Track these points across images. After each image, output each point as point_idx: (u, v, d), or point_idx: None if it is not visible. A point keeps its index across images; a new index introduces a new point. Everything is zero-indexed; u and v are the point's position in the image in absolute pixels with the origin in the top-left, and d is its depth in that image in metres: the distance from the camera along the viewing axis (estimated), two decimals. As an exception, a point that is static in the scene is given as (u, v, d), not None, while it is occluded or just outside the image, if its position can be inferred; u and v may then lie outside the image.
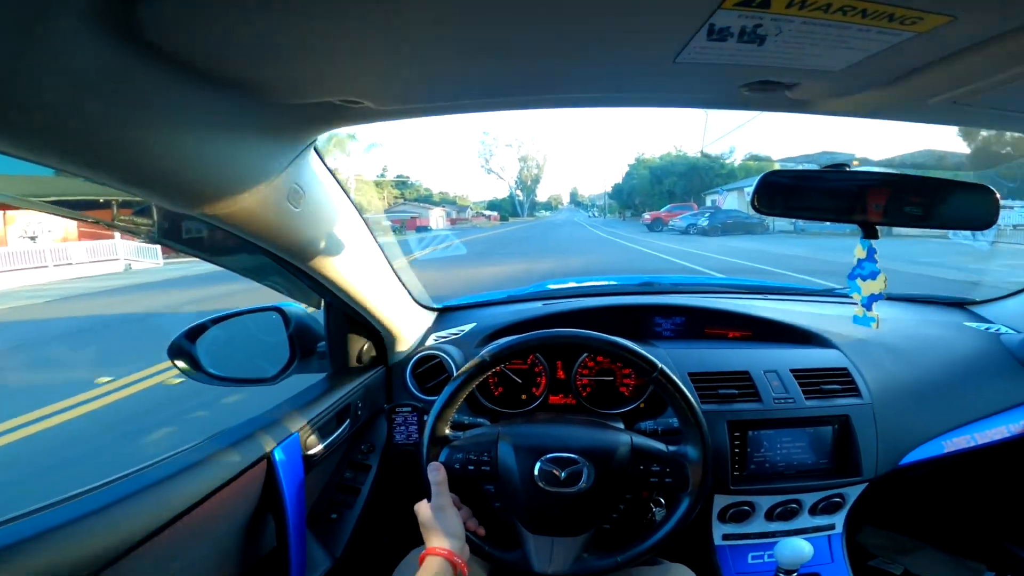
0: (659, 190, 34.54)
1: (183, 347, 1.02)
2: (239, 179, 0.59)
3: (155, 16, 0.39)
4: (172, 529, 0.63)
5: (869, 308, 0.75)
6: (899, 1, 0.36)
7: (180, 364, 1.01)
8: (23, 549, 0.48)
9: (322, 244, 0.81)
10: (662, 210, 24.80)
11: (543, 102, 0.62)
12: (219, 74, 0.49)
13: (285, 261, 0.80)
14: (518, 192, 72.01)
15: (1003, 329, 1.29)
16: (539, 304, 1.37)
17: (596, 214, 69.83)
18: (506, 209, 70.10)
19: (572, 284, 1.64)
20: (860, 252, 0.75)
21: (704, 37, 0.42)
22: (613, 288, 1.54)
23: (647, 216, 24.52)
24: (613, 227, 26.69)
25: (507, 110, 0.65)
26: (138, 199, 0.63)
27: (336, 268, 0.87)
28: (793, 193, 0.78)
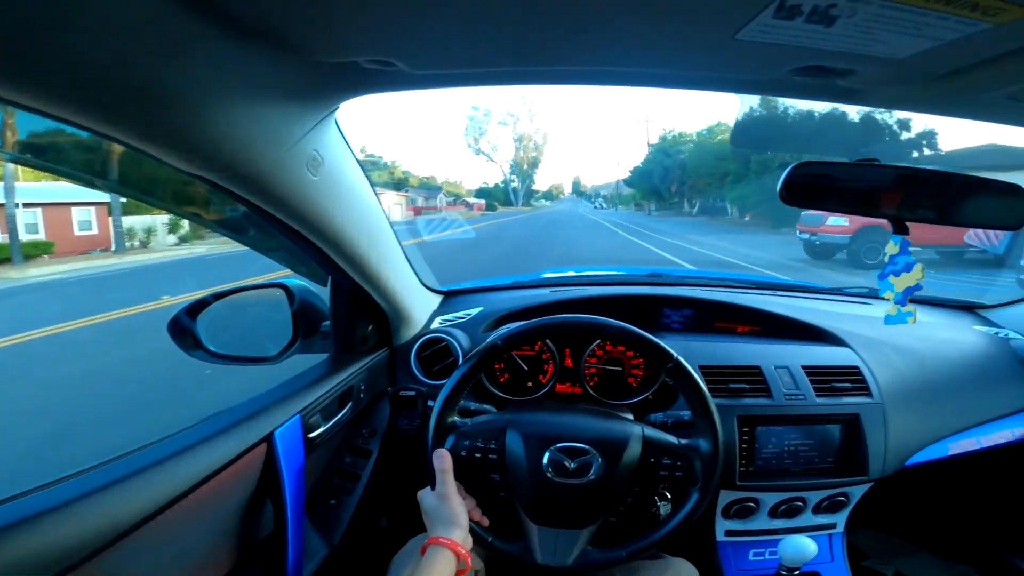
0: (712, 171, 24.16)
1: (183, 323, 0.99)
2: (259, 140, 0.56)
3: None
4: (168, 513, 0.61)
5: (904, 303, 0.74)
6: None
7: (180, 342, 0.99)
8: (10, 534, 0.46)
9: (336, 216, 0.78)
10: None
11: (586, 76, 0.60)
12: (250, 24, 0.47)
13: (295, 232, 0.77)
14: (513, 178, 65.85)
15: (1012, 334, 1.29)
16: (547, 291, 1.35)
17: (602, 205, 65.81)
18: (496, 197, 64.23)
19: (579, 273, 1.62)
20: (892, 248, 0.74)
21: (771, 13, 0.40)
22: (621, 278, 1.52)
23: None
24: (654, 228, 18.58)
25: (548, 83, 0.62)
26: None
27: (348, 242, 0.85)
28: (823, 186, 0.76)
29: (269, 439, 0.79)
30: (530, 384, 1.17)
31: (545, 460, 0.81)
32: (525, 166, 65.58)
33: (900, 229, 0.73)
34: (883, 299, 0.78)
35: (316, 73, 0.58)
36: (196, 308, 1.00)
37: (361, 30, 0.49)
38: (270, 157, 0.59)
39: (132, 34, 0.39)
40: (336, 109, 0.70)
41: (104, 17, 0.36)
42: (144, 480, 0.59)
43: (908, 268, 0.73)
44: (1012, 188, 0.76)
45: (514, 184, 65.75)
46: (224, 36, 0.46)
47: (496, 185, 68.38)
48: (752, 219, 19.53)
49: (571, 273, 1.60)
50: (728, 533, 1.07)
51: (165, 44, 0.42)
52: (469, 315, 1.26)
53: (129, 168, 0.65)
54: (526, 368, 1.17)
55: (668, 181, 29.80)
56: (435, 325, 1.24)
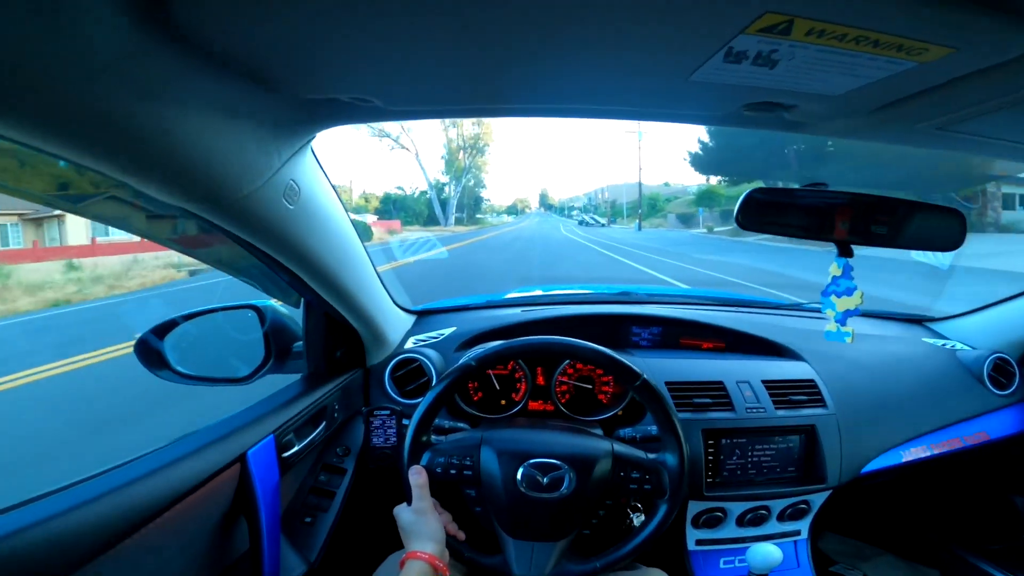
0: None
1: (150, 344, 0.97)
2: (237, 172, 0.57)
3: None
4: (141, 533, 0.60)
5: (843, 323, 0.78)
6: (909, 33, 0.38)
7: (146, 362, 0.97)
8: None
9: (312, 243, 0.79)
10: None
11: (552, 111, 0.63)
12: (231, 61, 0.48)
13: (268, 257, 0.78)
14: (448, 186, 41.94)
15: (959, 345, 1.36)
16: (518, 310, 1.37)
17: (594, 220, 48.84)
18: (414, 211, 40.65)
19: (551, 292, 1.65)
20: (835, 270, 0.78)
21: (721, 59, 0.43)
22: (591, 296, 1.56)
23: None
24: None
25: (516, 116, 0.65)
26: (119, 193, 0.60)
27: (323, 267, 0.86)
28: (773, 210, 0.80)
29: (242, 459, 0.79)
30: (503, 402, 1.18)
31: (519, 475, 0.82)
32: (463, 162, 41.98)
33: (845, 252, 0.77)
34: (824, 314, 0.81)
35: (294, 106, 0.59)
36: (164, 328, 0.99)
37: (340, 70, 0.51)
38: (248, 188, 0.60)
39: (111, 71, 0.40)
40: (312, 138, 0.71)
41: (83, 54, 0.37)
42: (116, 499, 0.59)
43: (849, 292, 0.77)
44: (950, 211, 0.81)
45: (449, 194, 41.83)
46: (205, 73, 0.48)
47: (422, 193, 42.56)
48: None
49: (541, 292, 1.63)
50: (698, 542, 1.10)
51: (145, 81, 0.43)
52: (442, 335, 1.27)
53: (96, 192, 0.64)
54: (499, 387, 1.19)
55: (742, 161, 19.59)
56: (409, 345, 1.25)
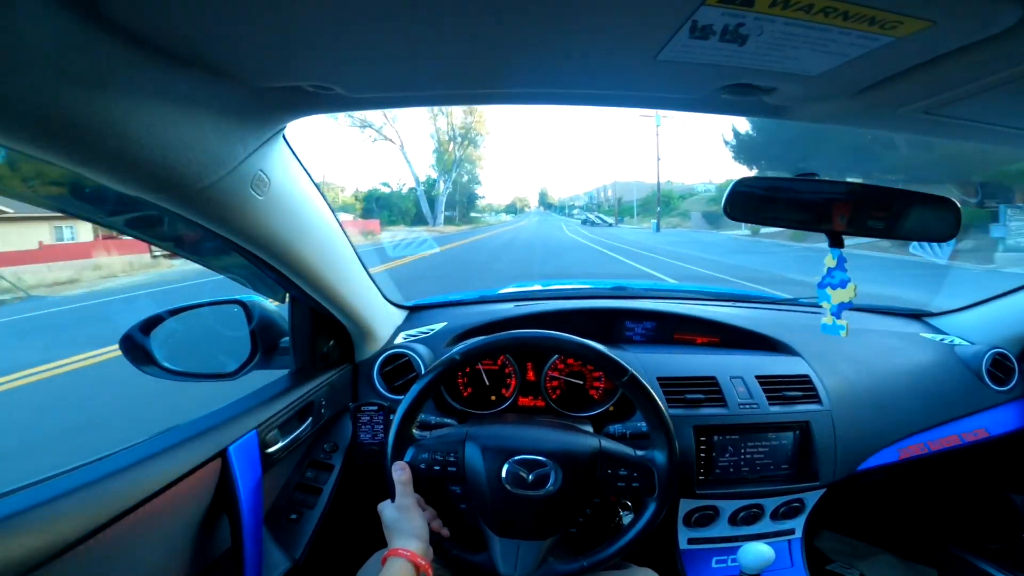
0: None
1: (136, 340, 0.97)
2: (196, 162, 0.56)
3: None
4: (115, 527, 0.60)
5: (839, 316, 0.76)
6: (880, 4, 0.37)
7: (132, 358, 0.96)
8: None
9: (287, 236, 0.78)
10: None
11: (519, 97, 0.62)
12: (180, 53, 0.47)
13: (248, 252, 0.77)
14: (439, 181, 37.62)
15: (957, 341, 1.34)
16: (511, 305, 1.36)
17: (600, 219, 42.91)
18: (400, 209, 37.32)
19: (546, 287, 1.64)
20: (830, 261, 0.76)
21: (687, 34, 0.42)
22: (585, 291, 1.54)
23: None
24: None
25: (482, 104, 0.64)
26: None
27: (302, 261, 0.84)
28: (763, 201, 0.79)
29: (223, 454, 0.78)
30: (493, 398, 1.17)
31: (503, 472, 0.81)
32: (454, 154, 37.34)
33: (836, 243, 0.76)
34: (821, 306, 0.80)
35: (256, 96, 0.58)
36: (150, 324, 0.99)
37: (296, 58, 0.50)
38: (210, 178, 0.59)
39: (49, 63, 0.39)
40: (282, 129, 0.70)
41: (17, 47, 0.37)
42: (90, 493, 0.58)
43: (843, 285, 0.75)
44: (943, 201, 0.79)
45: (440, 190, 37.30)
46: (152, 65, 0.47)
47: (411, 190, 37.90)
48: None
49: (536, 287, 1.62)
50: (690, 541, 1.09)
51: (88, 73, 0.42)
52: (433, 330, 1.26)
53: (72, 186, 0.64)
54: (488, 382, 1.17)
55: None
56: (399, 340, 1.24)
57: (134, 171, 0.51)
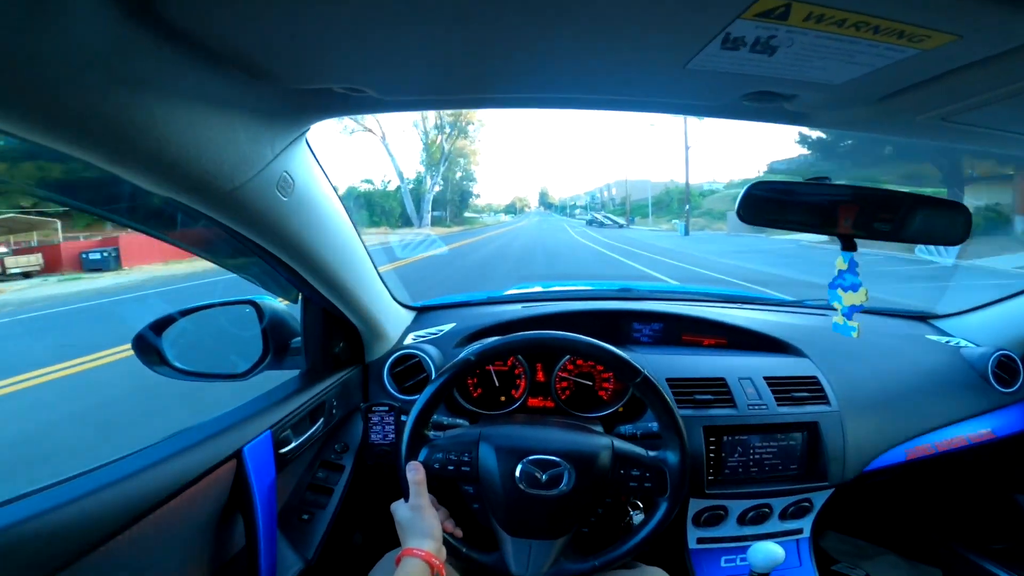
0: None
1: (148, 340, 0.97)
2: (229, 163, 0.56)
3: None
4: (134, 529, 0.60)
5: (851, 317, 0.77)
6: (910, 19, 0.37)
7: (144, 358, 0.97)
8: None
9: (307, 236, 0.79)
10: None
11: (548, 101, 0.62)
12: (222, 52, 0.48)
13: (265, 251, 0.77)
14: (428, 177, 33.88)
15: (963, 343, 1.35)
16: (518, 307, 1.37)
17: (608, 221, 37.17)
18: (384, 209, 33.00)
19: (552, 288, 1.64)
20: (841, 264, 0.77)
21: (718, 45, 0.42)
22: (592, 293, 1.55)
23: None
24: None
25: (510, 107, 0.64)
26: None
27: (319, 262, 0.85)
28: (775, 205, 0.79)
29: (239, 455, 0.78)
30: (503, 399, 1.17)
31: (517, 472, 0.81)
32: (441, 145, 33.55)
33: (849, 246, 0.76)
34: (833, 308, 0.80)
35: (287, 97, 0.59)
36: (161, 324, 0.99)
37: (331, 60, 0.51)
38: (240, 179, 0.59)
39: (98, 64, 0.40)
40: (307, 130, 0.70)
41: (69, 49, 0.37)
42: (108, 496, 0.58)
43: (855, 288, 0.75)
44: (954, 204, 0.80)
45: (428, 188, 33.77)
46: (194, 65, 0.47)
47: (397, 188, 33.84)
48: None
49: (542, 288, 1.62)
50: (699, 541, 1.09)
51: (134, 74, 0.43)
52: (442, 331, 1.27)
53: (91, 185, 0.64)
54: (498, 383, 1.18)
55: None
56: (408, 341, 1.24)
57: (170, 172, 0.52)
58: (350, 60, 0.51)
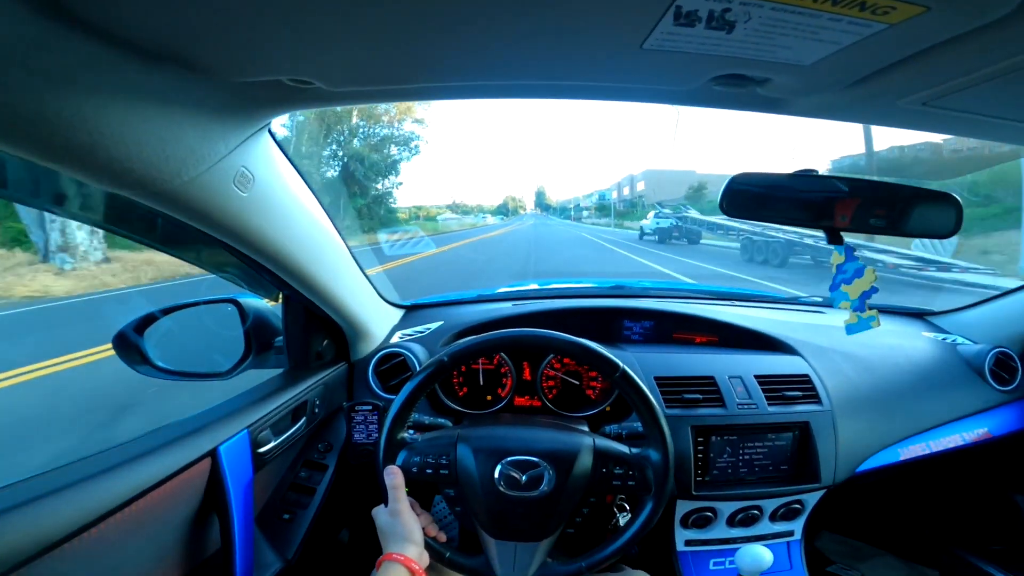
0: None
1: (129, 338, 0.96)
2: (174, 158, 0.55)
3: None
4: (102, 526, 0.59)
5: (862, 309, 0.75)
6: None
7: (125, 357, 0.96)
8: None
9: (274, 233, 0.77)
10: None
11: (504, 90, 0.60)
12: (149, 49, 0.46)
13: (239, 251, 0.76)
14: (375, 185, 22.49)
15: (959, 340, 1.33)
16: (508, 304, 1.35)
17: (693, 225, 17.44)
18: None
19: (544, 286, 1.63)
20: (838, 258, 0.75)
21: (671, 21, 0.41)
22: (584, 291, 1.53)
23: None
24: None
25: (464, 98, 0.62)
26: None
27: (291, 259, 0.83)
28: (761, 198, 0.78)
29: (213, 454, 0.77)
30: (489, 398, 1.16)
31: (496, 474, 0.80)
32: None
33: (835, 239, 0.74)
34: (839, 309, 0.78)
35: (236, 91, 0.57)
36: (143, 323, 0.98)
37: (269, 51, 0.49)
38: (189, 174, 0.58)
39: (14, 61, 0.39)
40: (266, 125, 0.69)
41: None
42: (77, 492, 0.57)
43: (859, 273, 0.73)
44: (943, 196, 0.78)
45: (383, 190, 23.44)
46: (122, 60, 0.46)
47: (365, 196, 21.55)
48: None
49: (534, 286, 1.61)
50: (688, 543, 1.07)
51: (55, 69, 0.41)
52: (429, 329, 1.25)
53: (57, 184, 0.63)
54: (483, 382, 1.16)
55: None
56: (395, 339, 1.23)
57: (108, 167, 0.50)
58: (290, 50, 0.49)
